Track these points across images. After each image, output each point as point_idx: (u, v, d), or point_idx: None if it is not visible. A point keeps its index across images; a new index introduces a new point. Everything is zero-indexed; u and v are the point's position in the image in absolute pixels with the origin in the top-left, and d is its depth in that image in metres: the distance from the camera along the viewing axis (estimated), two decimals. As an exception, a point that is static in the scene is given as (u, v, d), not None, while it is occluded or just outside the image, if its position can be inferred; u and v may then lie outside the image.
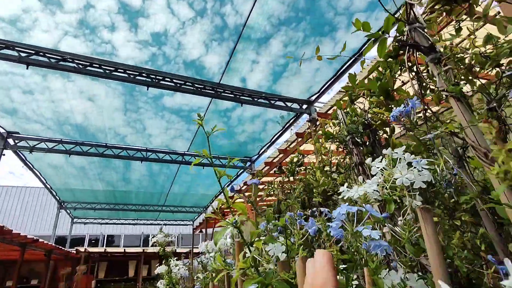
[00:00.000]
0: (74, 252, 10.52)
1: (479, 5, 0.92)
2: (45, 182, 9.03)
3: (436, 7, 1.15)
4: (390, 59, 1.17)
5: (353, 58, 4.62)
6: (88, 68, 4.48)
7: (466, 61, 1.01)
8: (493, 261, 0.68)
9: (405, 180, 0.67)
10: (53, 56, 4.34)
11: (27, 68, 4.24)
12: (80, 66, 4.44)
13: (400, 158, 0.73)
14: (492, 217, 1.16)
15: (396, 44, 0.99)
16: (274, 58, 5.01)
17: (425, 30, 0.89)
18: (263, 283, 0.57)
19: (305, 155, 2.61)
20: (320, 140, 1.99)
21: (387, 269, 0.70)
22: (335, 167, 1.75)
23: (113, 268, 11.92)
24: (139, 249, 12.06)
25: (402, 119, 0.80)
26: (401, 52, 1.06)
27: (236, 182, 9.45)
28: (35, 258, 9.64)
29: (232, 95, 5.47)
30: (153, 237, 1.88)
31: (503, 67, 1.25)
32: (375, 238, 0.56)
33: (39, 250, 8.09)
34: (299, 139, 6.73)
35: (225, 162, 8.34)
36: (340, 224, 0.62)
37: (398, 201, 0.74)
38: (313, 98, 5.81)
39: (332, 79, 5.20)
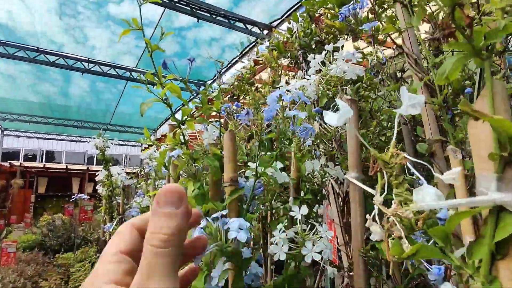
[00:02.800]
0: (8, 165, 9.88)
1: None
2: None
3: None
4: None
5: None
6: None
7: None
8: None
9: (339, 71, 0.69)
10: None
11: None
12: None
13: (339, 53, 0.75)
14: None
15: None
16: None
17: None
18: (191, 157, 0.58)
19: (255, 73, 2.54)
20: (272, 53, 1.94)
21: (311, 159, 0.76)
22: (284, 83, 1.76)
23: (54, 184, 11.59)
24: (83, 167, 11.73)
25: (349, 17, 0.79)
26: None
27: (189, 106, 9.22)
28: (-39, 170, 8.92)
29: (188, 8, 4.94)
30: (90, 142, 1.80)
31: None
32: (301, 117, 0.58)
33: (-36, 161, 7.43)
34: (257, 67, 6.57)
35: (177, 83, 7.95)
36: (273, 110, 0.63)
37: (331, 96, 0.78)
38: (275, 24, 5.54)
39: (297, 5, 4.93)
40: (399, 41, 1.15)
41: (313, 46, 1.48)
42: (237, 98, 2.23)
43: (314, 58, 0.77)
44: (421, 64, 0.73)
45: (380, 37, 1.16)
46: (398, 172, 0.26)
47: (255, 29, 5.60)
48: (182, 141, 0.63)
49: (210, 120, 1.04)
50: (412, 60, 0.74)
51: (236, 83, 2.32)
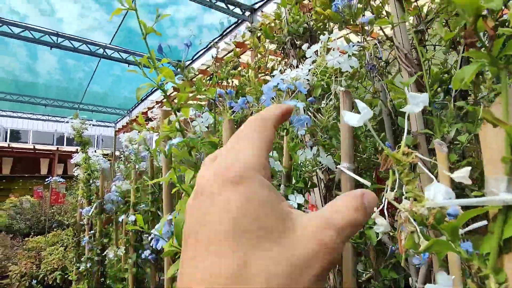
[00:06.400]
0: (-32, 144, 9.22)
1: None
2: None
3: None
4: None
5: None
6: None
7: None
8: (388, 146, 0.80)
9: (335, 62, 0.70)
10: None
11: None
12: None
13: (334, 44, 0.76)
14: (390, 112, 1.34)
15: None
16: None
17: None
18: (188, 145, 0.57)
19: (240, 56, 2.51)
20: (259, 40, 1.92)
21: (303, 148, 0.78)
22: (270, 70, 1.75)
23: (21, 165, 11.00)
24: (53, 147, 11.18)
25: (342, 9, 0.80)
26: None
27: (166, 86, 8.96)
28: None
29: (167, -16, 4.72)
30: (66, 123, 1.72)
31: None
32: (299, 108, 0.59)
33: None
34: (237, 49, 6.46)
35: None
36: (269, 98, 0.63)
37: (325, 86, 0.79)
38: (257, 5, 5.41)
39: (280, -13, 4.84)
40: (387, 30, 1.17)
41: (302, 33, 1.48)
42: (219, 82, 2.19)
43: (309, 48, 0.77)
44: (411, 59, 0.76)
45: (367, 27, 1.18)
46: (408, 170, 0.28)
47: (237, 10, 5.45)
48: (178, 128, 0.62)
49: (192, 102, 1.02)
50: (402, 54, 0.76)
51: (216, 65, 2.27)
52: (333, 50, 0.74)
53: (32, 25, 6.03)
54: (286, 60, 1.59)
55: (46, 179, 2.52)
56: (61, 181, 2.24)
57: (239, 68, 2.63)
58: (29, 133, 12.98)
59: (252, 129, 0.24)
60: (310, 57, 0.78)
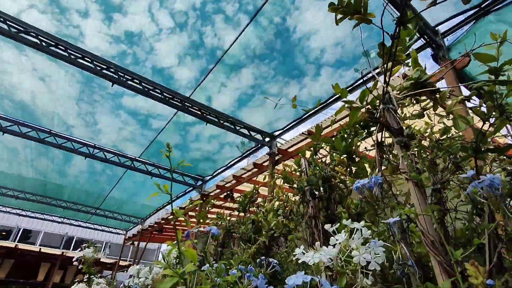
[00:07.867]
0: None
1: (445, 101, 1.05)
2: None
3: (407, 98, 1.27)
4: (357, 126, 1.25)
5: (317, 108, 4.89)
6: (52, 48, 4.16)
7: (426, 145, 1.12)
8: None
9: (362, 260, 0.68)
10: (15, 25, 3.97)
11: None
12: (44, 43, 4.10)
13: (356, 229, 0.76)
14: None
15: (368, 118, 1.06)
16: (242, 86, 5.12)
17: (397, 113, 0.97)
18: None
19: (258, 191, 2.59)
20: (278, 182, 2.01)
21: None
22: (288, 212, 1.76)
23: (20, 268, 10.44)
24: (58, 251, 10.79)
25: (363, 191, 0.84)
26: (371, 124, 1.13)
27: (184, 198, 9.17)
28: None
29: (199, 112, 5.40)
30: (79, 251, 1.70)
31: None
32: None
33: None
34: (256, 170, 6.78)
35: (175, 176, 8.08)
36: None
37: (351, 275, 0.75)
38: (276, 133, 5.96)
39: (296, 121, 5.42)
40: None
41: (321, 185, 1.55)
42: (238, 214, 2.21)
43: (331, 226, 0.77)
44: (438, 247, 0.74)
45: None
46: None
47: (258, 136, 5.99)
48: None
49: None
50: (429, 241, 0.75)
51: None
52: (355, 233, 0.74)
53: (74, 137, 6.77)
54: (304, 206, 1.63)
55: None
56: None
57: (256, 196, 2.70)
58: (40, 234, 12.82)
59: None
60: (334, 245, 0.77)
